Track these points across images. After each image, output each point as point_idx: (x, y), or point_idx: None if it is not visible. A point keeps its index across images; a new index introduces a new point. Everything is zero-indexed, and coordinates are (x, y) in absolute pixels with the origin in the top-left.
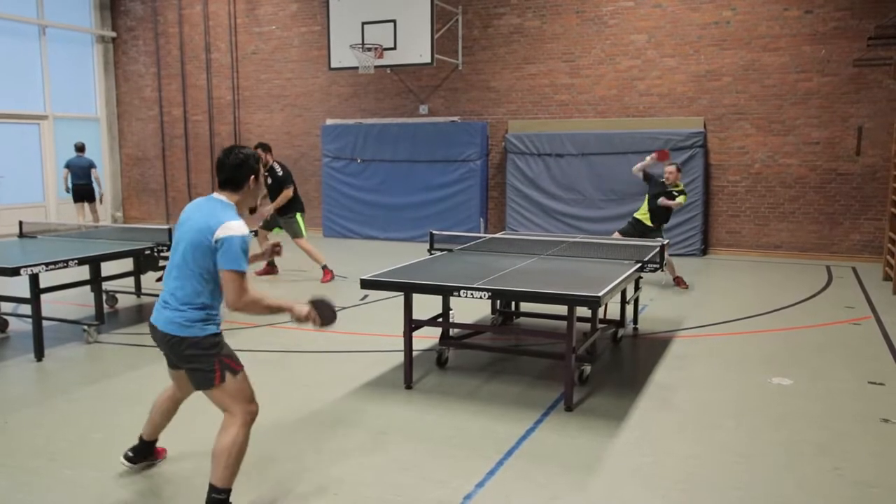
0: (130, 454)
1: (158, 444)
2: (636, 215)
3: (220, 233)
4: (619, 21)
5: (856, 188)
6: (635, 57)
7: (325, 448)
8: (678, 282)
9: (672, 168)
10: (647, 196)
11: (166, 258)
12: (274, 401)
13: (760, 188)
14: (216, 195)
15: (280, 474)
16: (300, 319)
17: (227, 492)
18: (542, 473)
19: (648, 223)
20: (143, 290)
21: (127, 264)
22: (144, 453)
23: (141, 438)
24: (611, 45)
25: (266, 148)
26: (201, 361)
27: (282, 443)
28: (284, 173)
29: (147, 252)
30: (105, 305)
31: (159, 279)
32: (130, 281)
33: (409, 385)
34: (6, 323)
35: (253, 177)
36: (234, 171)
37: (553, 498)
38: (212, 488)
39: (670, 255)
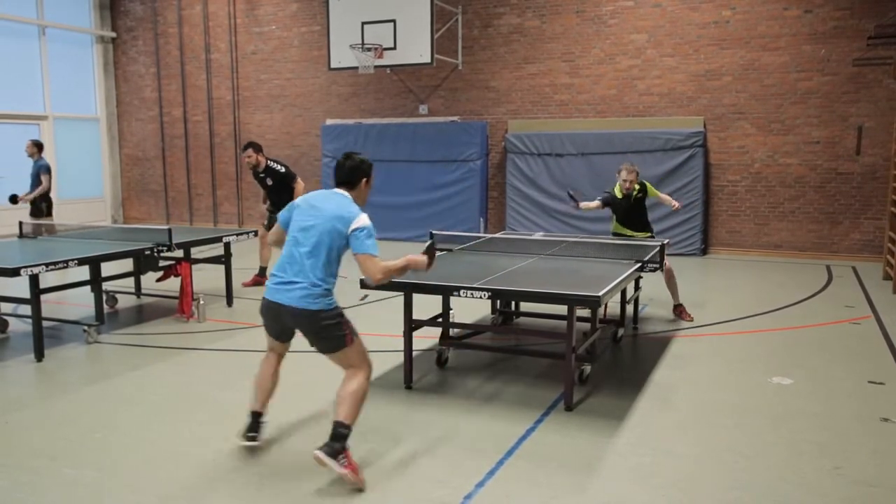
0: (251, 434)
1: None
2: (614, 231)
3: (357, 223)
4: (618, 21)
5: (856, 187)
6: (635, 57)
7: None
8: (680, 312)
9: (632, 175)
10: (613, 218)
11: (166, 258)
12: (274, 400)
13: (760, 188)
14: (338, 190)
15: (280, 474)
16: (421, 268)
17: (350, 428)
18: (542, 473)
19: (632, 232)
20: (143, 291)
21: (127, 265)
22: (259, 425)
23: (254, 413)
24: (611, 44)
25: (258, 148)
26: (335, 329)
27: (281, 442)
28: (287, 170)
29: (147, 252)
30: (105, 306)
31: (160, 279)
32: (130, 281)
33: (409, 385)
34: (6, 323)
35: (365, 179)
36: (350, 173)
37: (553, 497)
38: (338, 424)
39: (668, 265)
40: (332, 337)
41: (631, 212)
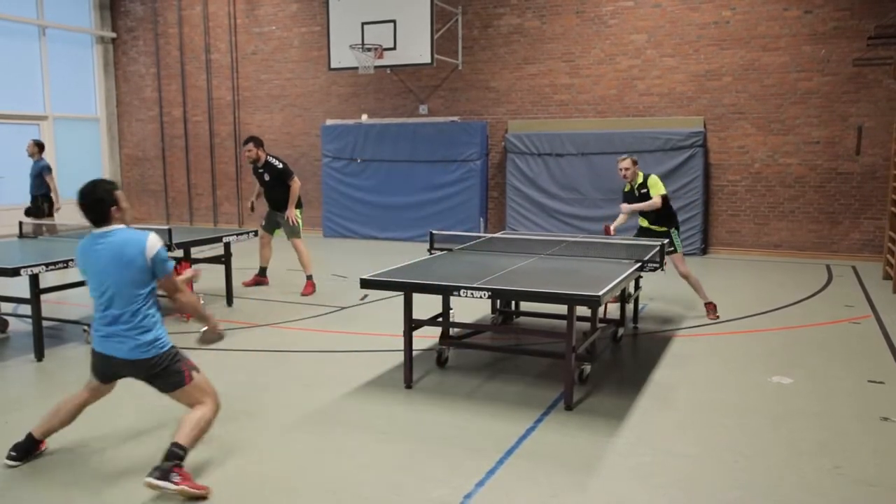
0: (14, 454)
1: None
2: (642, 225)
3: (151, 249)
4: (618, 21)
5: (856, 187)
6: (635, 57)
7: (325, 448)
8: (710, 309)
9: (625, 163)
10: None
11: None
12: (274, 400)
13: (760, 187)
14: (103, 230)
15: (280, 474)
16: (206, 331)
17: (185, 451)
18: (542, 472)
19: (654, 227)
20: None
21: None
22: (29, 450)
23: (30, 436)
24: (611, 44)
25: (258, 143)
26: (170, 370)
27: (282, 443)
28: (285, 166)
29: None
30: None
31: None
32: None
33: (409, 385)
34: (6, 323)
35: (115, 207)
36: (97, 208)
37: (553, 497)
38: (175, 444)
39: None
40: (169, 377)
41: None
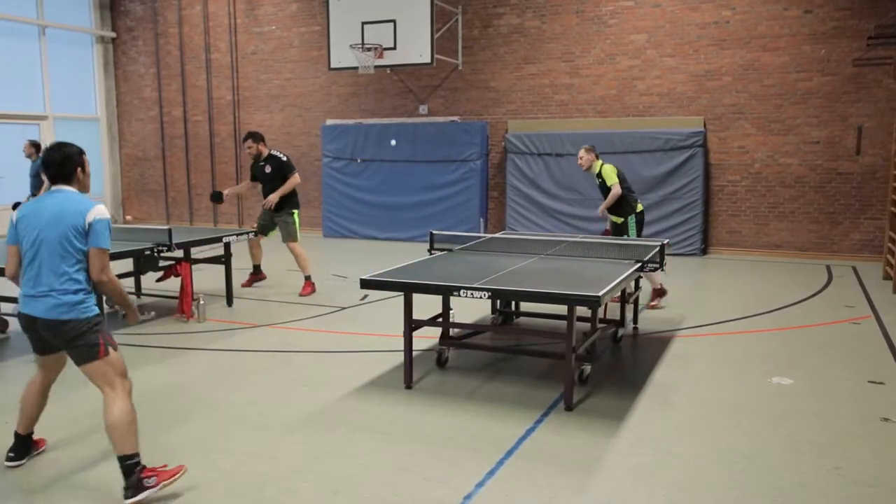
0: (12, 454)
1: (35, 436)
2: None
3: (93, 215)
4: (618, 21)
5: (856, 187)
6: (635, 57)
7: (325, 448)
8: (653, 296)
9: (580, 151)
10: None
11: (166, 258)
12: (274, 401)
13: (760, 188)
14: (58, 187)
15: (280, 474)
16: (129, 318)
17: (136, 455)
18: (542, 473)
19: (613, 217)
20: (143, 291)
21: (127, 264)
22: (25, 448)
23: (17, 434)
24: (611, 44)
25: (257, 138)
26: (87, 338)
27: (282, 443)
28: (288, 160)
29: (147, 252)
30: (105, 305)
31: (160, 279)
32: (130, 281)
33: (409, 385)
34: (6, 323)
35: (80, 168)
36: (62, 166)
37: (553, 497)
38: (121, 458)
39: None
40: (82, 347)
41: (604, 193)
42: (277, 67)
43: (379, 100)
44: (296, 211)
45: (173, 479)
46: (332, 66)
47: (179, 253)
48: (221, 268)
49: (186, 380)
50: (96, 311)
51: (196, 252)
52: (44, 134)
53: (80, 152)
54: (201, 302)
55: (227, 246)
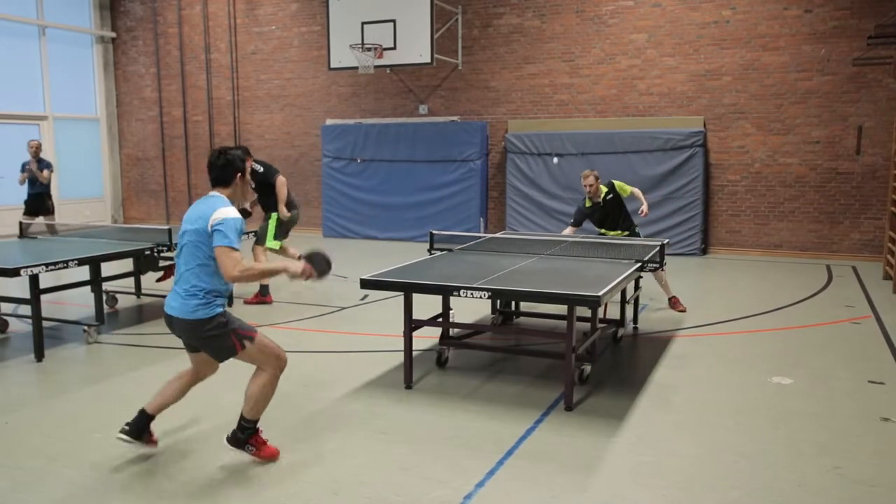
0: (127, 427)
1: (154, 434)
2: (605, 233)
3: (216, 217)
4: (618, 21)
5: (856, 187)
6: (635, 56)
7: (325, 448)
8: (674, 303)
9: (591, 179)
10: (599, 227)
11: (166, 258)
12: (274, 401)
13: (760, 187)
14: (212, 193)
15: (280, 474)
16: (297, 276)
17: (255, 422)
18: (542, 473)
19: (613, 232)
20: (143, 291)
21: (127, 265)
22: (142, 429)
23: (143, 411)
24: (610, 44)
25: (246, 152)
26: (217, 339)
27: (281, 443)
28: (266, 168)
29: (147, 252)
30: (105, 306)
31: (160, 279)
32: (130, 281)
33: (409, 385)
34: (6, 323)
35: (239, 174)
36: (222, 171)
37: (553, 497)
38: (242, 417)
39: (662, 268)
40: (217, 348)
41: (609, 215)
42: (277, 67)
43: (379, 100)
44: (275, 214)
45: (267, 457)
46: (332, 66)
47: None
48: None
49: None
50: (219, 310)
51: None
52: (44, 134)
53: (243, 158)
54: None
55: None
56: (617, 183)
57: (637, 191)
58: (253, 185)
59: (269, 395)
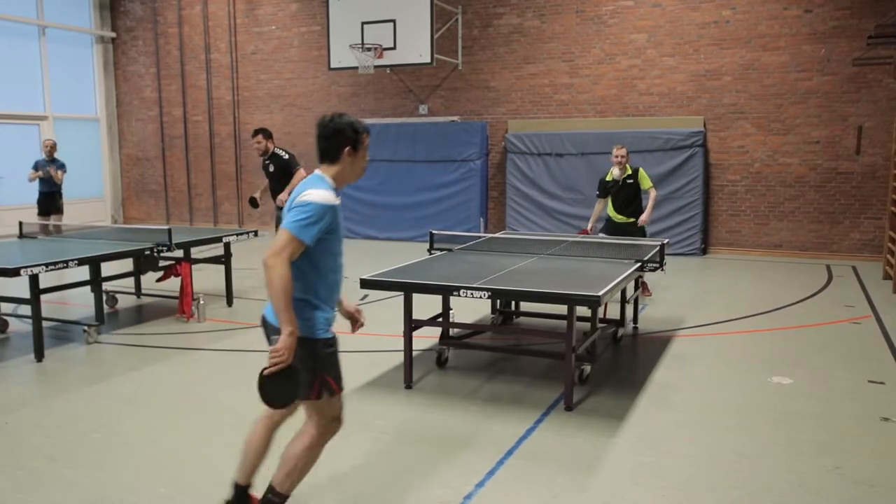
0: None
1: (252, 491)
2: (609, 215)
3: (300, 199)
4: (618, 21)
5: (856, 187)
6: (635, 56)
7: (325, 448)
8: (643, 287)
9: (623, 150)
10: (610, 199)
11: (166, 258)
12: None
13: (760, 187)
14: (316, 172)
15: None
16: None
17: (284, 497)
18: (542, 473)
19: (624, 218)
20: (143, 291)
21: (127, 265)
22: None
23: (237, 485)
24: (610, 44)
25: (267, 134)
26: (303, 365)
27: (282, 443)
28: (290, 157)
29: (147, 252)
30: (105, 306)
31: (160, 279)
32: (130, 281)
33: (409, 385)
34: (6, 323)
35: (350, 147)
36: (328, 141)
37: (553, 497)
38: (270, 487)
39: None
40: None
41: (621, 196)
42: (277, 67)
43: (379, 100)
44: None
45: None
46: (332, 66)
47: (179, 253)
48: (221, 268)
49: (186, 380)
50: (320, 334)
51: (196, 252)
52: (44, 134)
53: (356, 129)
54: (201, 302)
55: (227, 246)
56: (641, 171)
57: (654, 193)
58: (272, 170)
59: (311, 464)
